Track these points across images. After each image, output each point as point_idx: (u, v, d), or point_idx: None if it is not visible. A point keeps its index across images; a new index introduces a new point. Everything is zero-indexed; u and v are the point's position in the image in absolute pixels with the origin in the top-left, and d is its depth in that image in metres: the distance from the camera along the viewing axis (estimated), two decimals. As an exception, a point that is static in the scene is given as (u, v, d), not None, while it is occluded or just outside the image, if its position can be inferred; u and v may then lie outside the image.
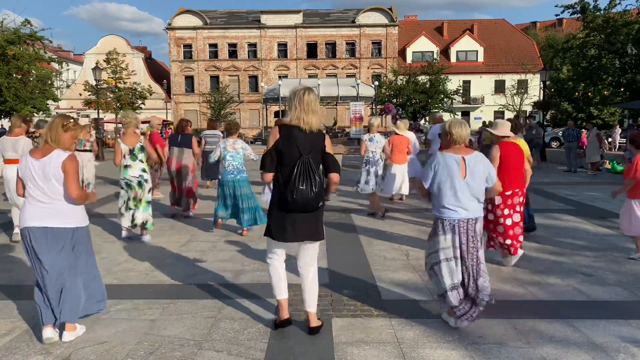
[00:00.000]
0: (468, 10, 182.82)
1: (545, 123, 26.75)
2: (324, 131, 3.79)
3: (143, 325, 3.90)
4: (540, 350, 3.45)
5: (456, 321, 3.75)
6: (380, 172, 8.29)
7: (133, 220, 6.57)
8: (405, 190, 9.39)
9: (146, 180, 6.59)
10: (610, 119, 33.58)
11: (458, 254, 3.70)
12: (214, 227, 7.22)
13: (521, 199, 5.44)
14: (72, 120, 3.69)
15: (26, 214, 3.55)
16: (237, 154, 6.85)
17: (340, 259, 5.78)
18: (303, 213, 3.48)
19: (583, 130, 19.89)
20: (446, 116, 38.44)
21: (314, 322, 3.71)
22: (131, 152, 6.48)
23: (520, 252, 5.40)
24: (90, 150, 10.15)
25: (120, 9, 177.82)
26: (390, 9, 49.20)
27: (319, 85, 23.95)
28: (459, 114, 44.80)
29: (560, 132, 28.28)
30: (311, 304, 3.71)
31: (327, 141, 3.66)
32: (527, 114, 31.96)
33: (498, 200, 5.24)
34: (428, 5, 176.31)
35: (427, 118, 35.12)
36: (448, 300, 3.72)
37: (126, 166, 6.50)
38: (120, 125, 12.76)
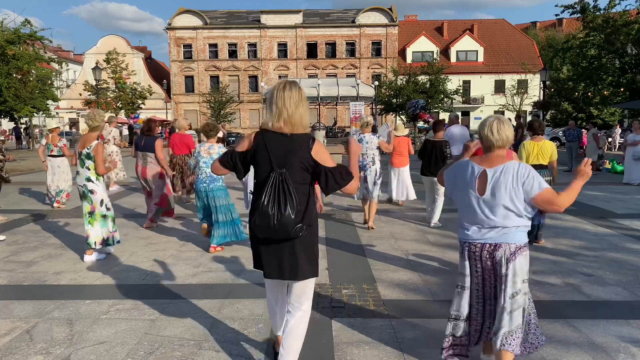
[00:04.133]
0: (468, 10, 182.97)
1: (545, 123, 26.71)
2: (318, 131, 3.07)
3: (143, 325, 3.90)
4: (541, 350, 3.45)
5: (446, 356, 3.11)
6: (370, 177, 7.37)
7: (87, 241, 5.67)
8: (412, 195, 9.02)
9: (91, 192, 5.59)
10: (610, 119, 33.57)
11: (467, 284, 3.00)
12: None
13: None
14: None
15: None
16: (212, 160, 5.75)
17: (340, 259, 5.78)
18: (274, 243, 2.76)
19: (584, 130, 19.94)
20: (446, 116, 38.43)
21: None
22: (79, 156, 5.62)
23: None
24: (61, 155, 9.44)
25: (120, 9, 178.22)
26: (390, 9, 49.21)
27: (319, 85, 23.90)
28: (459, 114, 44.79)
29: (561, 132, 28.26)
30: (285, 357, 2.88)
31: (318, 148, 2.76)
32: (533, 114, 31.84)
33: None
34: (428, 5, 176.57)
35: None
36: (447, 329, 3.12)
37: (78, 172, 5.70)
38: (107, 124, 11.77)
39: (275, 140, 2.74)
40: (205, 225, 6.30)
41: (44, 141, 9.72)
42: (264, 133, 2.79)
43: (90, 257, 5.69)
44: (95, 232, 5.66)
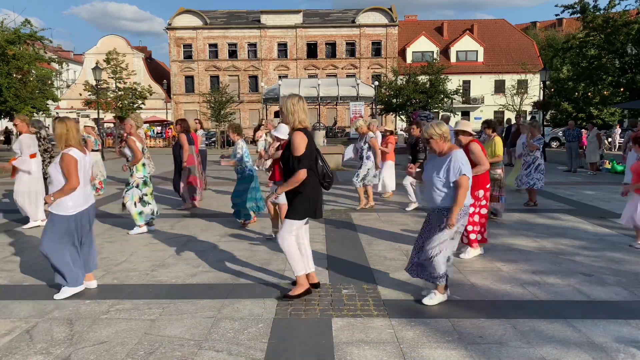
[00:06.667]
0: (468, 10, 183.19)
1: (545, 123, 26.74)
2: (319, 131, 4.26)
3: (143, 325, 3.90)
4: (540, 350, 3.45)
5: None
6: (370, 166, 8.94)
7: (153, 213, 7.20)
8: (393, 187, 10.26)
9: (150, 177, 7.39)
10: (610, 119, 33.54)
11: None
12: (244, 223, 7.60)
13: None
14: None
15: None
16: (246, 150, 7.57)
17: (340, 259, 5.78)
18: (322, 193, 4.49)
19: (583, 130, 19.89)
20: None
21: (316, 279, 4.69)
22: (143, 150, 7.08)
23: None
24: (98, 150, 11.28)
25: (120, 9, 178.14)
26: (390, 9, 49.20)
27: (319, 85, 23.91)
28: (459, 114, 44.85)
29: (560, 132, 28.27)
30: (312, 265, 4.66)
31: None
32: (533, 114, 31.85)
33: (481, 194, 5.88)
34: (428, 5, 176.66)
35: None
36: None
37: (144, 164, 7.10)
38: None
39: (310, 133, 4.39)
40: (255, 217, 7.67)
41: (92, 138, 10.79)
42: (306, 130, 4.32)
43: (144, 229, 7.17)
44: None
